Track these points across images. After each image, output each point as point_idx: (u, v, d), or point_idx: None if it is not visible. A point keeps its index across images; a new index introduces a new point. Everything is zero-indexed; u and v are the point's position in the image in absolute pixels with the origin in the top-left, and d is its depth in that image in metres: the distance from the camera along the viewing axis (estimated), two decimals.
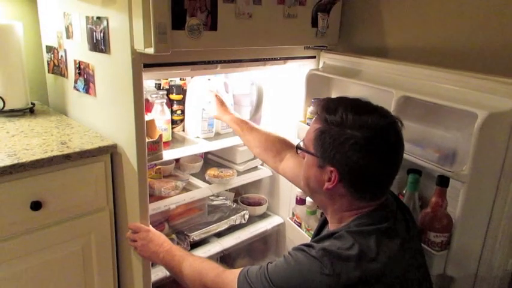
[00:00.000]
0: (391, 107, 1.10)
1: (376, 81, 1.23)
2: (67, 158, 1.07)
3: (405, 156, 0.92)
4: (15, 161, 0.98)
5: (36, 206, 1.03)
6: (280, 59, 1.43)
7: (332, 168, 0.86)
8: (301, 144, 0.96)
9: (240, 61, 1.34)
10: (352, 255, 0.81)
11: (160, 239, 1.16)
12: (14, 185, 1.00)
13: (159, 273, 1.35)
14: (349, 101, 0.89)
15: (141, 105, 1.12)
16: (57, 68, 1.40)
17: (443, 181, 1.04)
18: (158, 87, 1.57)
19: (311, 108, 1.45)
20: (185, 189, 1.52)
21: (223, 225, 1.59)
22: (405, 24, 1.41)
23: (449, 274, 1.07)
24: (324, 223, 1.05)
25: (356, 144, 0.82)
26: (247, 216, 1.66)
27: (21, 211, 1.02)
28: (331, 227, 0.96)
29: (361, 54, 1.36)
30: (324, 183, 0.88)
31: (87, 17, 1.18)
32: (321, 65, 1.51)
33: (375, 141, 0.83)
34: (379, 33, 1.48)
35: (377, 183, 0.88)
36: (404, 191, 1.16)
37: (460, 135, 1.02)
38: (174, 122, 1.54)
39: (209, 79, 1.58)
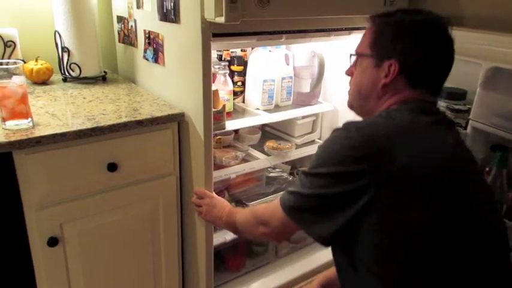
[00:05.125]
0: (478, 79, 1.03)
1: (459, 52, 1.15)
2: (140, 123, 1.12)
3: (492, 130, 0.88)
4: (95, 125, 1.05)
5: (112, 167, 1.10)
6: (346, 29, 1.39)
7: (391, 61, 0.87)
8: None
9: (305, 31, 1.31)
10: (381, 122, 0.83)
11: (223, 205, 1.20)
12: (93, 147, 1.07)
13: (219, 238, 1.40)
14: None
15: (209, 75, 1.14)
16: (127, 38, 1.45)
17: None
18: (219, 58, 1.59)
19: None
20: (244, 160, 1.55)
21: None
22: None
23: None
24: None
25: (417, 32, 0.86)
26: None
27: (99, 171, 1.09)
28: None
29: None
30: (379, 82, 0.89)
31: None
32: None
33: (435, 32, 0.86)
34: (452, 2, 1.38)
35: (434, 75, 0.89)
36: (488, 168, 1.10)
37: None
38: (234, 93, 1.55)
39: (270, 51, 1.57)
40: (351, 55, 0.99)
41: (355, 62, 0.97)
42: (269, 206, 0.98)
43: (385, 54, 0.88)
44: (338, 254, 0.91)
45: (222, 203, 1.20)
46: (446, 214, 0.78)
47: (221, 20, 1.03)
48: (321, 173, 0.82)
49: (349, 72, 0.99)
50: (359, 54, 0.96)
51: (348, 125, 0.82)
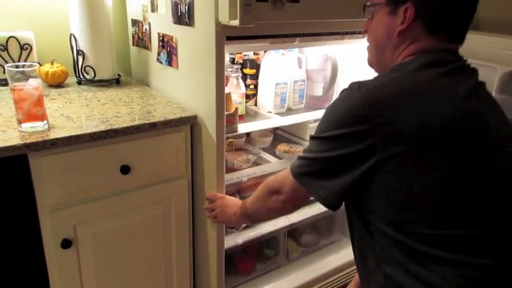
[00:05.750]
0: (493, 84, 1.02)
1: (475, 56, 1.14)
2: (153, 126, 1.12)
3: None
4: (109, 127, 1.05)
5: (125, 169, 1.11)
6: (360, 32, 1.38)
7: (406, 5, 0.83)
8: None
9: (319, 34, 1.31)
10: (387, 79, 0.80)
11: (235, 202, 1.19)
12: (107, 149, 1.07)
13: (230, 241, 1.40)
14: None
15: (222, 78, 1.14)
16: (141, 41, 1.46)
17: None
18: (232, 61, 1.59)
19: None
20: (255, 163, 1.54)
21: None
22: None
23: None
24: None
25: None
26: None
27: (112, 174, 1.10)
28: None
29: None
30: (395, 29, 0.85)
31: None
32: None
33: None
34: None
35: (454, 19, 0.83)
36: None
37: None
38: (247, 96, 1.55)
39: (283, 54, 1.57)
40: (365, 7, 0.95)
41: (371, 16, 0.94)
42: (279, 174, 0.98)
43: None
44: (354, 221, 0.90)
45: (234, 201, 1.20)
46: (458, 171, 0.75)
47: (235, 23, 1.03)
48: (326, 136, 0.82)
49: (366, 27, 0.96)
50: (373, 4, 0.92)
51: (352, 85, 0.81)
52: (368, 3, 0.95)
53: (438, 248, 0.76)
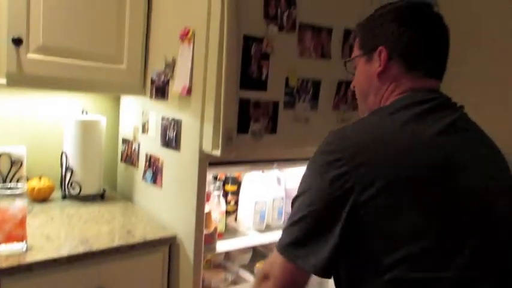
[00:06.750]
0: None
1: None
2: (132, 248, 1.13)
3: None
4: (88, 249, 1.06)
5: None
6: None
7: (379, 48, 0.86)
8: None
9: (295, 160, 1.42)
10: (359, 125, 0.82)
11: None
12: (83, 272, 1.07)
13: None
14: None
15: (203, 200, 1.20)
16: (129, 159, 1.55)
17: None
18: (214, 178, 1.67)
19: None
20: (233, 282, 1.52)
21: None
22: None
23: None
24: None
25: (399, 14, 0.87)
26: None
27: None
28: None
29: None
30: (374, 73, 0.88)
31: (163, 117, 1.33)
32: None
33: (417, 10, 0.87)
34: None
35: (429, 53, 0.86)
36: None
37: None
38: (227, 213, 1.59)
39: (263, 172, 1.66)
40: (345, 63, 1.00)
41: (353, 70, 0.97)
42: (268, 258, 0.90)
43: (372, 45, 0.88)
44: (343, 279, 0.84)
45: None
46: (430, 215, 0.74)
47: (217, 153, 1.13)
48: (304, 192, 0.80)
49: (353, 84, 0.98)
50: (352, 59, 0.96)
51: (330, 132, 0.83)
52: (347, 59, 1.02)
53: None
